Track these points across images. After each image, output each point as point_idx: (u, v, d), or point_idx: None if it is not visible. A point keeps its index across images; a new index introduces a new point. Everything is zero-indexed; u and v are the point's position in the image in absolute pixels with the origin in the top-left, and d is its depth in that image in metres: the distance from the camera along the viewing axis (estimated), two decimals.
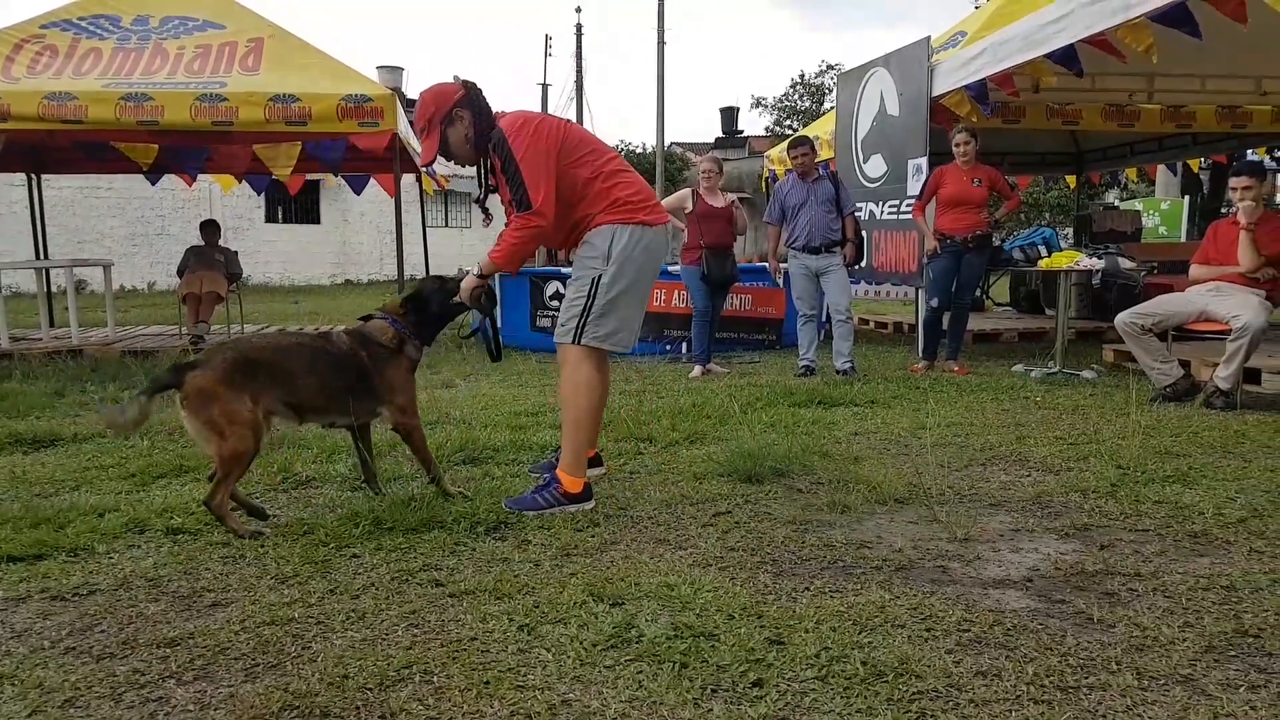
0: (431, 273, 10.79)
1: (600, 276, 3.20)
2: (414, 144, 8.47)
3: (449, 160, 3.33)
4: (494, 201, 3.41)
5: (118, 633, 2.27)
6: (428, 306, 3.41)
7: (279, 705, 1.89)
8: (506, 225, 3.39)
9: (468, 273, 3.37)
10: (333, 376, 3.18)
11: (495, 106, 3.29)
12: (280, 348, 3.19)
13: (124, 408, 2.99)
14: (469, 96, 3.20)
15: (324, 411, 3.24)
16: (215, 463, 2.96)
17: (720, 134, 34.34)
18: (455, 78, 3.26)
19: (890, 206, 7.68)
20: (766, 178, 11.51)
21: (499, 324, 3.60)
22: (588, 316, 3.21)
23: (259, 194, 12.53)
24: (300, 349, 3.21)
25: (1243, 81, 7.90)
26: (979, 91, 6.49)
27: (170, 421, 4.77)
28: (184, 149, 7.88)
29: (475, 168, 3.36)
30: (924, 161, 7.04)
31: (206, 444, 2.95)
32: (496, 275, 3.56)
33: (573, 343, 3.24)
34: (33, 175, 9.96)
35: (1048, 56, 5.73)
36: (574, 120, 3.54)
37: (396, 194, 7.99)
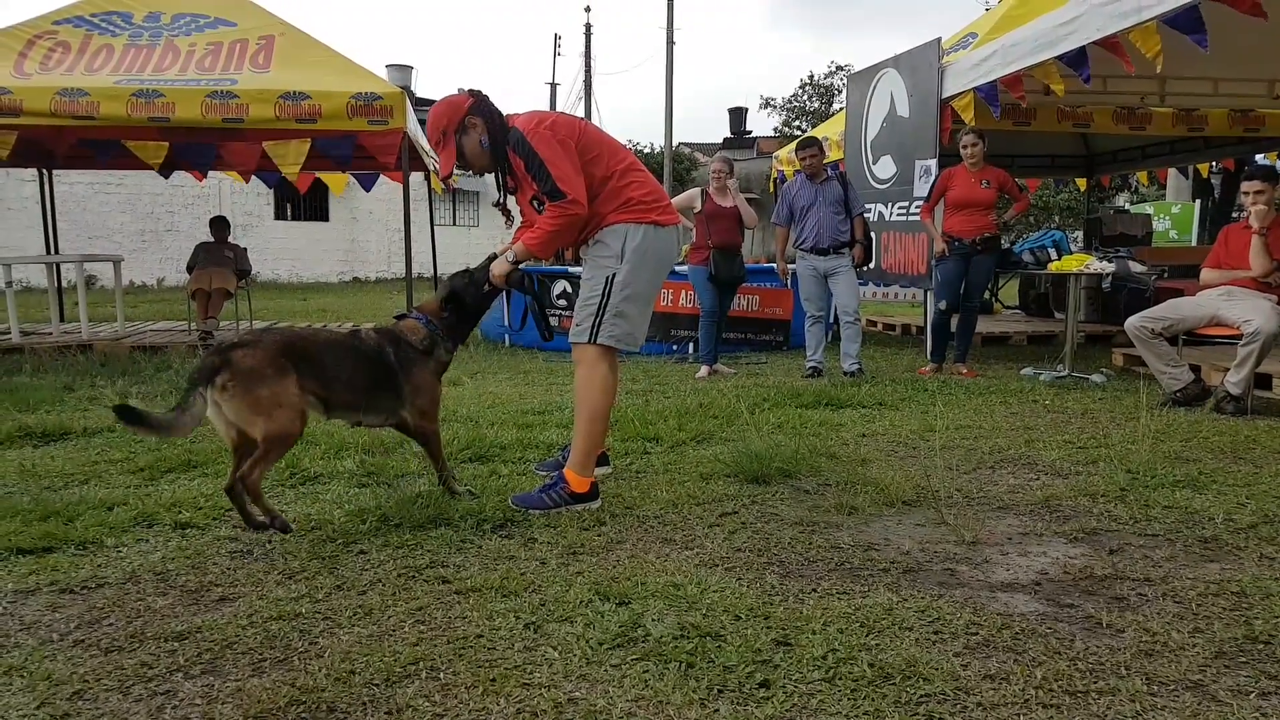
0: (439, 270, 10.81)
1: (614, 275, 3.21)
2: (423, 142, 8.48)
3: (466, 170, 3.35)
4: (513, 202, 3.42)
5: (126, 626, 2.28)
6: (464, 304, 3.39)
7: (286, 700, 1.89)
8: (523, 225, 3.41)
9: (495, 256, 3.37)
10: (360, 374, 3.15)
11: (504, 108, 3.31)
12: (319, 341, 3.16)
13: (182, 409, 2.83)
14: (478, 103, 3.23)
15: (351, 409, 3.20)
16: (258, 442, 2.86)
17: (729, 134, 34.34)
18: (460, 89, 3.30)
19: (899, 208, 7.66)
20: (775, 178, 11.50)
21: (543, 303, 3.63)
22: (603, 315, 3.22)
23: (270, 188, 12.55)
24: (335, 344, 3.19)
25: (1255, 85, 7.86)
26: (989, 93, 6.48)
27: None
28: (194, 147, 7.90)
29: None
30: (933, 163, 7.02)
31: (250, 424, 2.84)
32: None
33: (588, 342, 3.24)
34: (43, 171, 10.00)
35: (1059, 59, 5.71)
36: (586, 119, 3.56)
37: (405, 193, 8.01)
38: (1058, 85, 5.92)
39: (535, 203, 3.23)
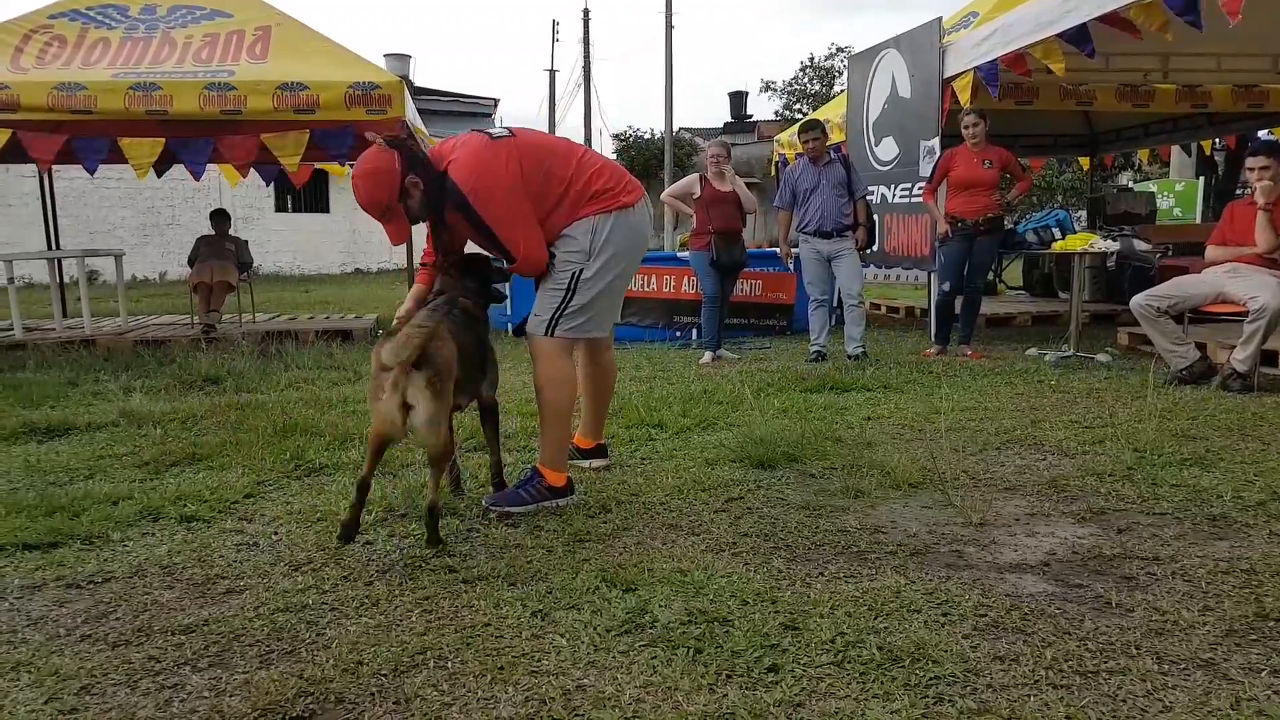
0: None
1: (580, 271, 3.07)
2: (423, 129, 8.44)
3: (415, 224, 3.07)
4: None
5: (133, 620, 2.28)
6: (481, 277, 3.20)
7: (294, 691, 1.89)
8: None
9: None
10: (472, 353, 2.91)
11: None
12: (454, 324, 2.86)
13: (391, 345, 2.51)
14: (407, 158, 2.90)
15: (463, 394, 2.91)
16: (435, 456, 2.64)
17: (729, 119, 34.19)
18: (374, 139, 2.95)
19: (902, 190, 7.62)
20: (776, 162, 11.44)
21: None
22: (564, 309, 3.08)
23: (267, 184, 12.52)
24: (464, 326, 2.90)
25: (1259, 60, 7.79)
26: (990, 72, 6.43)
27: (185, 410, 4.79)
28: (189, 142, 7.85)
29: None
30: (936, 143, 6.98)
31: (434, 434, 2.57)
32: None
33: (544, 334, 3.10)
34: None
35: (1059, 36, 5.66)
36: (550, 124, 3.39)
37: None
38: (1057, 65, 5.87)
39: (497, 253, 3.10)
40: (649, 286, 8.10)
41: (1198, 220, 15.02)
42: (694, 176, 7.07)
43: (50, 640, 2.18)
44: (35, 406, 5.02)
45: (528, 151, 3.02)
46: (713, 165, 6.88)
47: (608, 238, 3.08)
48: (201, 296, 8.43)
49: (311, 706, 1.84)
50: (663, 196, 7.64)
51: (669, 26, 27.45)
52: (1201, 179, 16.40)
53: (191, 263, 8.78)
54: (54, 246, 10.14)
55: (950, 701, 1.80)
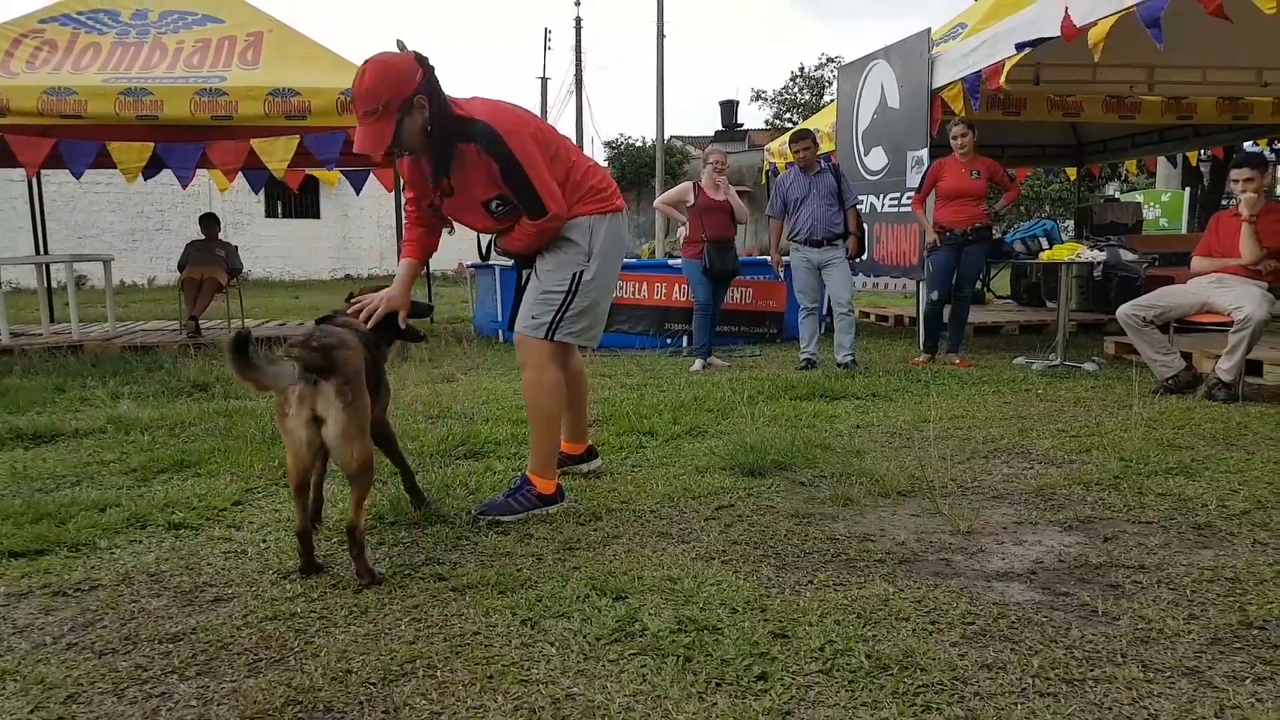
0: (430, 266, 10.74)
1: (582, 272, 3.06)
2: None
3: (396, 151, 2.87)
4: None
5: (120, 628, 2.27)
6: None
7: (282, 700, 1.88)
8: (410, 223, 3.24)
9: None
10: (368, 371, 2.72)
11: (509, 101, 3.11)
12: (361, 334, 2.74)
13: (274, 362, 2.34)
14: (428, 80, 2.77)
15: None
16: (352, 471, 2.47)
17: (720, 127, 34.29)
18: (401, 46, 2.93)
19: (891, 199, 7.66)
20: (767, 171, 11.49)
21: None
22: (565, 312, 3.06)
23: (256, 192, 12.53)
24: (361, 340, 2.74)
25: (1244, 73, 7.88)
26: (973, 83, 6.48)
27: (173, 416, 4.77)
28: (179, 147, 7.83)
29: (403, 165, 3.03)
30: (924, 153, 7.03)
31: (348, 444, 2.41)
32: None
33: (545, 338, 3.08)
34: None
35: (1032, 50, 5.72)
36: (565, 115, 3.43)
37: (396, 189, 7.98)
38: (1025, 80, 5.90)
39: (496, 205, 2.99)
40: (640, 294, 8.11)
41: (1183, 230, 15.15)
42: (688, 184, 7.10)
43: (36, 648, 2.16)
44: (22, 412, 5.00)
45: (543, 125, 3.08)
46: (716, 168, 6.90)
47: (603, 239, 3.10)
48: (189, 294, 8.42)
49: (300, 715, 1.84)
50: (656, 203, 7.67)
51: (660, 35, 27.49)
52: (1187, 190, 16.55)
53: (181, 268, 8.76)
54: (42, 251, 10.10)
55: (938, 709, 1.81)
